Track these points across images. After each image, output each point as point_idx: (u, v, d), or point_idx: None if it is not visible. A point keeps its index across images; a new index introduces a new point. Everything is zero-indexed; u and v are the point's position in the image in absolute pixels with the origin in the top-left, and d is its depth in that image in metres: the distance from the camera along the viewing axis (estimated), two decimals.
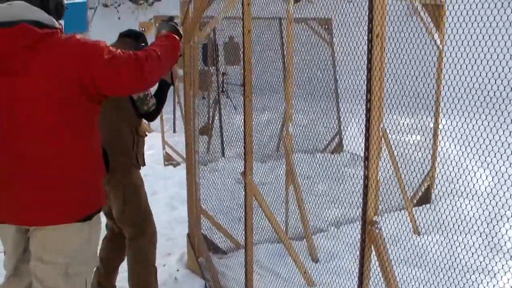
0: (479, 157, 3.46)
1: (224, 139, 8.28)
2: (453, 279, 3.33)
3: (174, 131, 10.44)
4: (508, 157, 2.92)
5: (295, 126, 5.36)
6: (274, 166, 6.98)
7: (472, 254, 3.95)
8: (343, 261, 4.41)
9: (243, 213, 3.66)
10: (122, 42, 3.62)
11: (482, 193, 5.27)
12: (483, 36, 3.04)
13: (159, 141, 8.68)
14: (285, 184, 4.90)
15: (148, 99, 3.56)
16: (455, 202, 4.65)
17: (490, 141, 3.09)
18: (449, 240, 4.34)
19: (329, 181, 6.39)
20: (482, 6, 2.78)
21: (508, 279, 3.85)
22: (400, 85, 3.78)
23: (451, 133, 3.45)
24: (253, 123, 3.50)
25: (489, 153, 3.08)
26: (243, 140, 3.50)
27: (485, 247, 4.58)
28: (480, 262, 3.94)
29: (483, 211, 4.37)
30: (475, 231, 4.08)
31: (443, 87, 5.54)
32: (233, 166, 6.55)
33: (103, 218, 2.90)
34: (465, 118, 3.57)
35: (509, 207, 3.42)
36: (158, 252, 3.89)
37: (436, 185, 5.95)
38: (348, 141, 8.13)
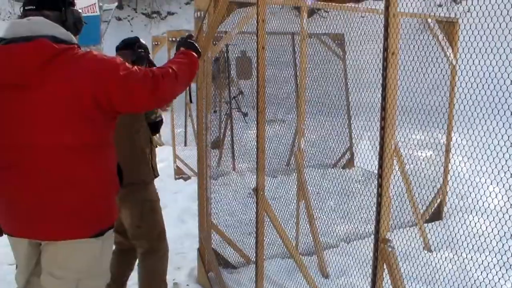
0: (491, 173, 3.44)
1: (235, 153, 8.28)
2: None
3: (185, 144, 10.47)
4: None
5: (307, 142, 5.35)
6: (284, 180, 6.97)
7: (484, 270, 3.91)
8: (353, 277, 4.39)
9: (254, 228, 3.66)
10: (122, 55, 3.58)
11: (493, 210, 5.23)
12: (495, 54, 3.04)
13: (170, 154, 8.69)
14: (296, 200, 4.90)
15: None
16: (467, 218, 4.62)
17: (502, 156, 3.07)
18: (460, 256, 4.31)
19: (340, 196, 6.37)
20: (494, 24, 2.78)
21: None
22: (412, 101, 3.77)
23: (463, 148, 3.43)
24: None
25: (501, 168, 3.06)
26: (255, 155, 3.50)
27: (497, 263, 4.53)
28: (492, 278, 3.90)
29: (495, 227, 4.34)
30: (486, 247, 4.04)
31: (455, 103, 5.52)
32: (244, 180, 6.54)
33: None
34: (477, 135, 3.55)
35: None
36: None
37: (448, 201, 5.91)
38: (359, 156, 8.10)
